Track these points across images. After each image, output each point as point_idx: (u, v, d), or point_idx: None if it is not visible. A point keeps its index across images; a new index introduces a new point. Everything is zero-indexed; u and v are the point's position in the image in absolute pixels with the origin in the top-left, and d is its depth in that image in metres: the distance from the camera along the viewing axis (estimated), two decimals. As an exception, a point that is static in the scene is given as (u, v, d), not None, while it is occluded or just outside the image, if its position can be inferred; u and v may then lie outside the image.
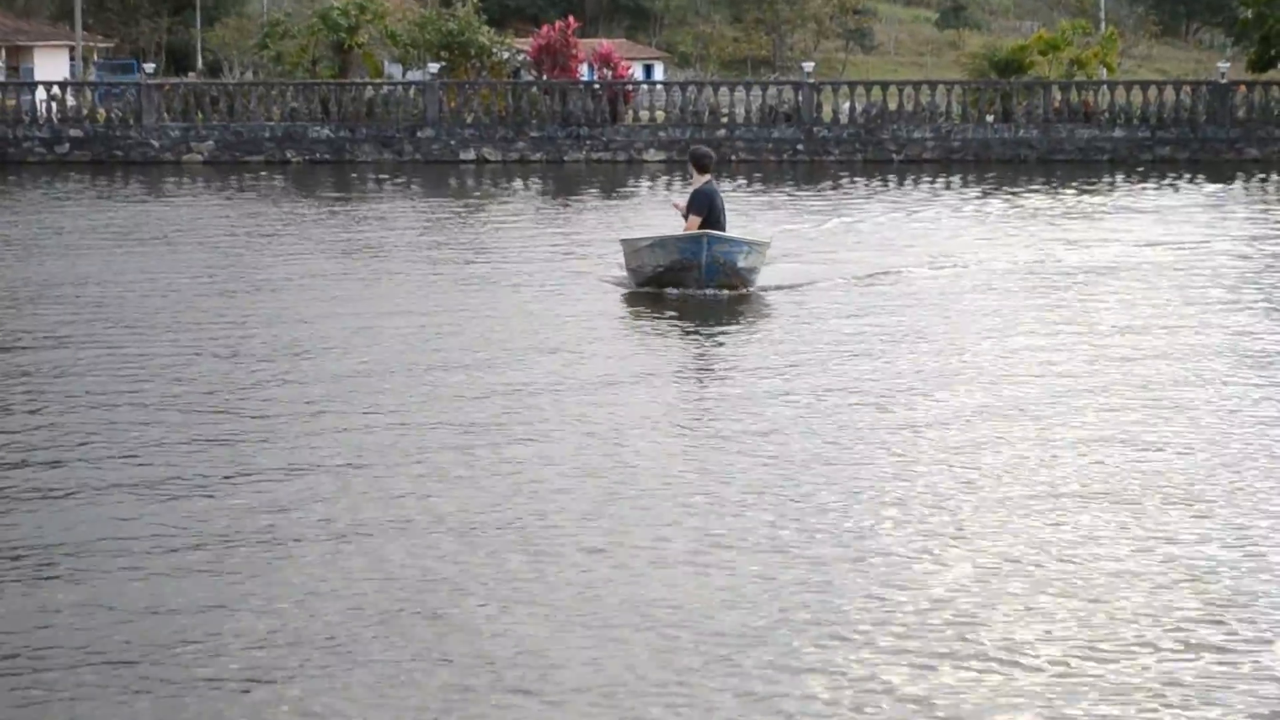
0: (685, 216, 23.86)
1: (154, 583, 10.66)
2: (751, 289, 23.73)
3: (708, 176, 24.07)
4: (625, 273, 24.81)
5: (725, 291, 23.23)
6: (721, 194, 24.48)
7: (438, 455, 14.00)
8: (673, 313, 22.25)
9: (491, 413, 15.69)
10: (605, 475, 13.38)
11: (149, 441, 14.53)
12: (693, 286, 23.18)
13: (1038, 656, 9.36)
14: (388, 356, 18.77)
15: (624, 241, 25.29)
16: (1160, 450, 14.24)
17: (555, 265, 27.84)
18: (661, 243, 23.80)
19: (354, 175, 50.91)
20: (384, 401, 16.23)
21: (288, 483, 13.09)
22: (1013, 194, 43.09)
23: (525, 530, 11.77)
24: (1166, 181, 47.56)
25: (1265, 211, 39.35)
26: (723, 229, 23.62)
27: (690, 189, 24.39)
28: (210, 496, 12.72)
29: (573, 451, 14.19)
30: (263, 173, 51.37)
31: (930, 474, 13.37)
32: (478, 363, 18.40)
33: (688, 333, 20.91)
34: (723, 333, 20.83)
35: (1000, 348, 19.43)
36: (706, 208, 23.53)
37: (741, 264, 23.46)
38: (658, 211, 35.35)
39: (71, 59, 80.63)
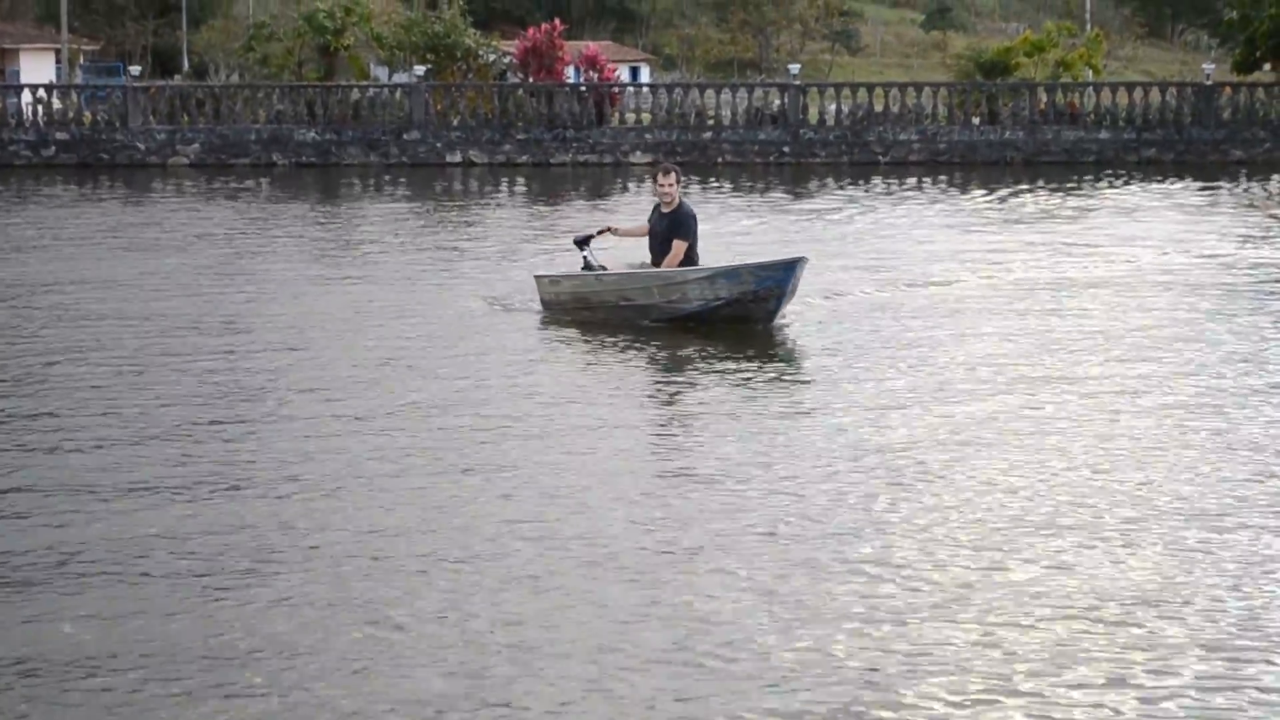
0: (659, 240, 20.99)
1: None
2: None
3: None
4: (617, 306, 21.15)
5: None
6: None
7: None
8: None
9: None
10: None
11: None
12: (761, 320, 20.46)
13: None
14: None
15: (656, 274, 21.08)
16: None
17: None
18: (732, 272, 20.46)
19: (340, 178, 50.87)
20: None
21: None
22: (1037, 193, 43.13)
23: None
24: (1178, 185, 47.52)
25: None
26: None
27: (666, 208, 21.10)
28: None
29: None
30: (248, 177, 51.31)
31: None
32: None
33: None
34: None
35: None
36: (695, 230, 21.07)
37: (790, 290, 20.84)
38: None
39: (57, 61, 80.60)
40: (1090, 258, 29.12)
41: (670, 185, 20.82)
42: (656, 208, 21.37)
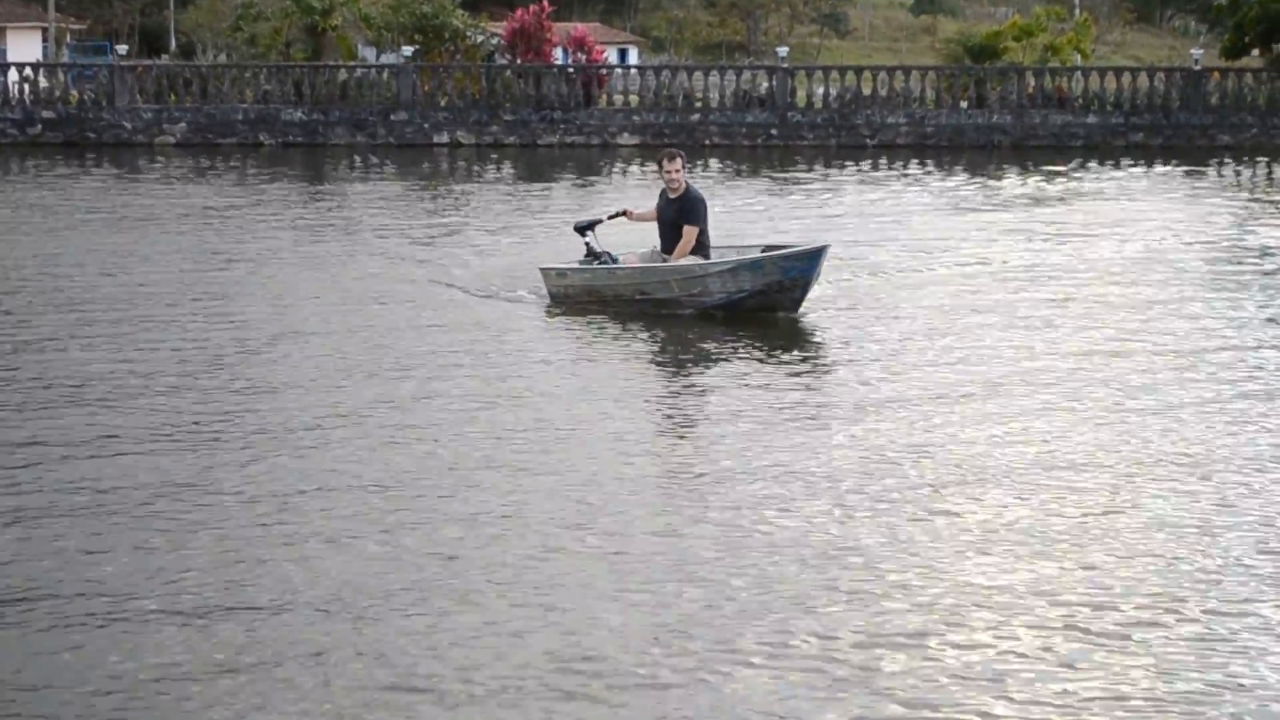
0: (668, 227, 20.72)
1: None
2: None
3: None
4: (633, 296, 20.77)
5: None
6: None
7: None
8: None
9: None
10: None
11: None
12: (788, 309, 20.12)
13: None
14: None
15: (675, 268, 20.52)
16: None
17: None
18: (756, 264, 19.99)
19: (327, 158, 50.77)
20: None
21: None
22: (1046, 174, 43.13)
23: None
24: (1166, 168, 47.60)
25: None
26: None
27: (671, 191, 20.76)
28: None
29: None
30: (235, 156, 51.19)
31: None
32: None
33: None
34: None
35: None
36: (705, 215, 20.73)
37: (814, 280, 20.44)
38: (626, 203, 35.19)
39: (44, 40, 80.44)
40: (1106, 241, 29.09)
41: (676, 171, 20.52)
42: (664, 193, 20.96)
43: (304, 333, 19.23)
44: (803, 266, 19.69)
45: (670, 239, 20.69)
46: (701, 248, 20.44)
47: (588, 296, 21.02)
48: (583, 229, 21.57)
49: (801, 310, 20.21)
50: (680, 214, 20.48)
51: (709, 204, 20.94)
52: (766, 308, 19.97)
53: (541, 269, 22.05)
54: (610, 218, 21.69)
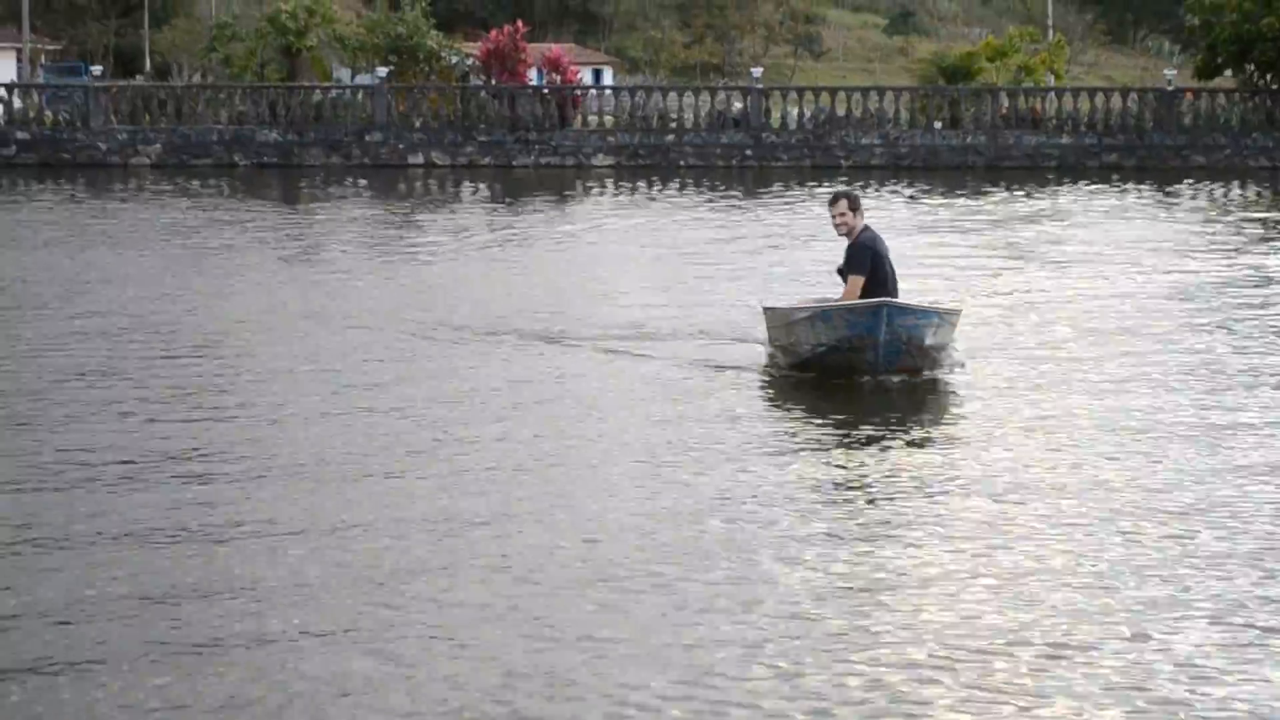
0: (842, 277, 17.87)
1: None
2: (939, 371, 17.81)
3: (863, 219, 17.79)
4: (771, 349, 18.64)
5: (900, 377, 17.37)
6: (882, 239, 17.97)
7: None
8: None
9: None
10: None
11: None
12: (867, 371, 17.25)
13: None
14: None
15: (769, 311, 18.73)
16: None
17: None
18: (824, 315, 17.44)
19: (302, 179, 50.75)
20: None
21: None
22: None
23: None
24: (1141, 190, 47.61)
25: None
26: (894, 290, 17.50)
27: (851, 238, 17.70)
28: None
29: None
30: (210, 177, 51.11)
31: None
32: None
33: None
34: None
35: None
36: (869, 262, 17.37)
37: (930, 340, 17.40)
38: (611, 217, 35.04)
39: (18, 61, 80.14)
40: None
41: (840, 215, 17.65)
42: None
43: (278, 371, 19.18)
44: (866, 323, 17.01)
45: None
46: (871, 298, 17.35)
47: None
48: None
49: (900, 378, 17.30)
50: (845, 263, 17.81)
51: (874, 247, 17.56)
52: (848, 367, 17.39)
53: (766, 308, 19.12)
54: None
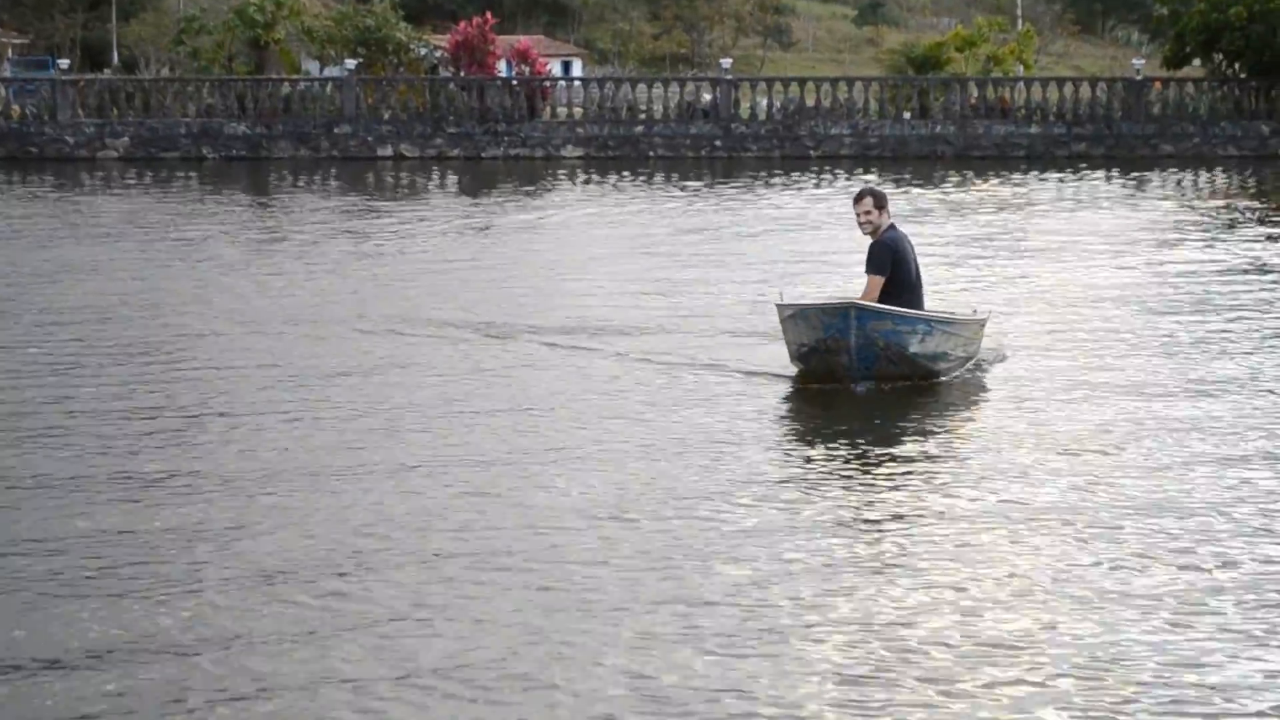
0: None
1: None
2: (942, 379, 16.86)
3: (889, 218, 16.98)
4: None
5: (879, 384, 16.36)
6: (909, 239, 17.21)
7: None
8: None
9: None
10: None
11: None
12: (845, 376, 16.34)
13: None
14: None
15: (778, 307, 17.38)
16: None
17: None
18: (803, 313, 16.79)
19: (271, 172, 50.63)
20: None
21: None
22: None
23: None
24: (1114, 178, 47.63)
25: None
26: (918, 291, 16.92)
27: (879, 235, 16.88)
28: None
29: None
30: (178, 170, 50.98)
31: None
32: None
33: None
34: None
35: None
36: (889, 262, 16.55)
37: (915, 349, 16.45)
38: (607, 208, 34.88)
39: (-15, 55, 79.95)
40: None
41: (865, 213, 16.84)
42: None
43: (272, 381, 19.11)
44: (837, 325, 16.18)
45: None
46: (893, 301, 16.55)
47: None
48: None
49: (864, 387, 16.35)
50: (866, 261, 16.93)
51: (898, 246, 16.75)
52: (826, 370, 16.58)
53: (777, 305, 17.69)
54: None
